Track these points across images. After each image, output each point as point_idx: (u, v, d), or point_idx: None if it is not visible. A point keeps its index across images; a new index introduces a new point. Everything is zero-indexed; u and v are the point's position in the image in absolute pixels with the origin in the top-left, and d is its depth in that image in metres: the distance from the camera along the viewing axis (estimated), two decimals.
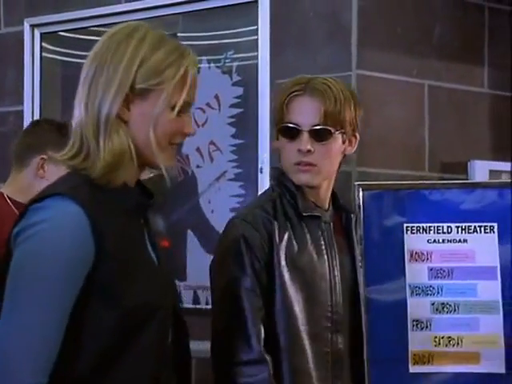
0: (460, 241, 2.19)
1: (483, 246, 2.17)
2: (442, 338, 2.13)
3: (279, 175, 1.65)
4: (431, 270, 2.17)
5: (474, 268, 2.17)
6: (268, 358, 1.50)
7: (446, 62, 2.69)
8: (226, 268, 1.55)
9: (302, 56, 2.58)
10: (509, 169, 2.75)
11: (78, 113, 1.24)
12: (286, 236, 1.56)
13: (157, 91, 1.23)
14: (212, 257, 1.70)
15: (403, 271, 2.13)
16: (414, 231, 2.17)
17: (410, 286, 2.14)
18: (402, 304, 2.12)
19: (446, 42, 2.70)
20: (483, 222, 2.19)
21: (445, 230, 2.20)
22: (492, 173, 2.72)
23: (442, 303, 2.15)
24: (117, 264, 1.17)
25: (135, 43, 1.24)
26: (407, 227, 2.17)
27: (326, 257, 1.62)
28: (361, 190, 2.20)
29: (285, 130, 1.61)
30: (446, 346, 2.12)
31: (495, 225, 2.18)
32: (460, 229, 2.20)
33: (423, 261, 2.17)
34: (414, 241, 2.16)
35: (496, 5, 2.80)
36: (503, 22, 2.82)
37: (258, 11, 2.65)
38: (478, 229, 2.19)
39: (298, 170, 1.62)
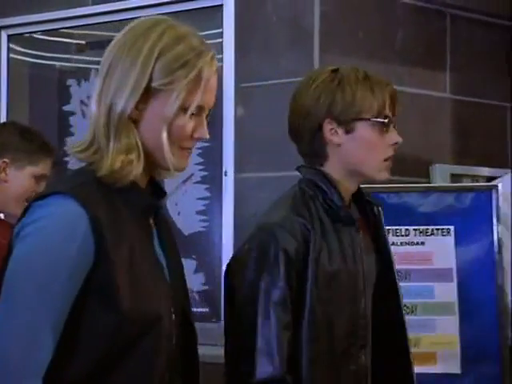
0: (418, 243, 2.24)
1: (440, 248, 2.22)
2: None
3: (315, 175, 1.49)
4: None
5: (431, 270, 2.22)
6: (289, 379, 1.38)
7: (409, 67, 2.73)
8: (257, 279, 1.40)
9: (265, 60, 2.60)
10: (470, 172, 2.80)
11: (93, 108, 1.19)
12: (321, 246, 1.43)
13: (167, 91, 1.16)
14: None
15: None
16: None
17: None
18: None
19: (409, 47, 2.73)
20: (440, 225, 2.24)
21: (403, 233, 2.24)
22: (453, 176, 2.76)
23: None
24: (118, 266, 1.12)
25: (154, 38, 1.17)
26: None
27: (355, 266, 1.47)
28: None
29: (382, 122, 1.45)
30: None
31: (452, 228, 2.23)
32: (418, 232, 2.24)
33: None
34: None
35: (457, 12, 2.84)
36: (464, 28, 2.86)
37: (222, 15, 2.68)
38: (436, 232, 2.24)
39: (387, 166, 1.50)
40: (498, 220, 2.21)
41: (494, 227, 2.20)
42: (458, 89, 2.86)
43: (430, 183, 2.69)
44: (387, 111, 1.46)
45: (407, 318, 2.13)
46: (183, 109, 1.17)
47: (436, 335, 2.18)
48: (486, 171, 2.75)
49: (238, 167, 2.64)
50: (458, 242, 2.22)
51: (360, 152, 1.47)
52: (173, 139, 1.19)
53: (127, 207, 1.18)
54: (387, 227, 2.18)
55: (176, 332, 1.21)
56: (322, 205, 1.46)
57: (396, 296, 1.58)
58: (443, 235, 2.23)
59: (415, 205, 2.26)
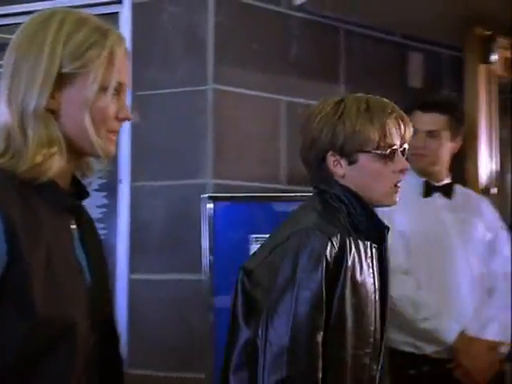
0: None
1: None
2: None
3: (346, 193, 1.51)
4: None
5: None
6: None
7: (304, 80, 2.79)
8: (294, 282, 1.40)
9: (161, 68, 2.61)
10: None
11: (3, 111, 1.15)
12: (352, 254, 1.46)
13: (82, 74, 1.15)
14: None
15: None
16: (261, 242, 2.24)
17: None
18: None
19: (304, 60, 2.79)
20: None
21: None
22: None
23: None
24: (33, 267, 1.08)
25: (55, 27, 1.16)
26: (255, 238, 2.24)
27: (372, 277, 1.52)
28: (210, 201, 2.26)
29: (383, 154, 1.49)
30: None
31: None
32: None
33: None
34: None
35: (351, 27, 2.94)
36: (358, 43, 2.96)
37: (119, 23, 2.67)
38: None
39: (396, 190, 1.53)
40: None
41: None
42: None
43: None
44: (391, 140, 1.50)
45: None
46: (103, 89, 1.17)
47: None
48: None
49: (134, 175, 2.64)
50: None
51: (365, 181, 1.51)
52: (97, 122, 1.17)
53: (46, 207, 1.15)
54: None
55: (94, 334, 1.18)
56: (346, 217, 1.49)
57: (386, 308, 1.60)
58: None
59: None
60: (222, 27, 2.58)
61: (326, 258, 1.41)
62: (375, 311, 1.52)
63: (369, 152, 1.49)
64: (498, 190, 2.84)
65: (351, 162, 1.51)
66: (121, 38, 1.22)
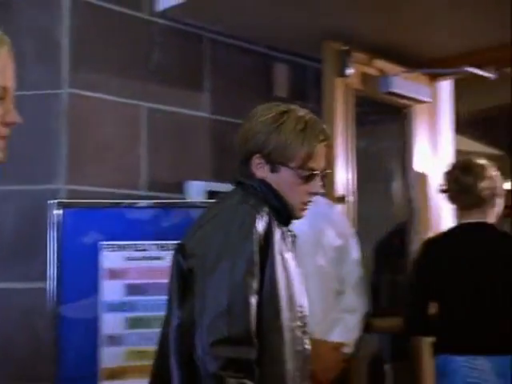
0: (156, 258, 2.29)
1: None
2: (136, 352, 2.20)
3: (263, 186, 1.61)
4: (127, 286, 2.24)
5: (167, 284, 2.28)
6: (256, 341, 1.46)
7: (166, 87, 2.79)
8: (228, 251, 1.48)
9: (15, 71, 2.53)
10: (224, 189, 2.92)
11: None
12: (277, 232, 1.56)
13: None
14: None
15: (98, 288, 2.17)
16: (111, 249, 2.22)
17: (104, 302, 2.19)
18: (96, 321, 2.16)
19: (166, 67, 2.79)
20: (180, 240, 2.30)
21: (142, 248, 2.28)
22: (210, 193, 2.86)
23: (136, 318, 2.22)
24: None
25: None
26: (104, 245, 2.21)
27: (293, 260, 1.62)
28: (59, 207, 2.21)
29: (309, 175, 1.61)
30: (140, 359, 2.19)
31: None
32: (157, 246, 2.29)
33: (119, 278, 2.23)
34: (110, 258, 2.21)
35: (215, 36, 2.97)
36: (222, 51, 2.99)
37: None
38: (175, 246, 2.30)
39: (303, 208, 1.65)
40: None
41: None
42: (217, 109, 2.98)
43: (185, 199, 2.77)
44: (314, 164, 1.61)
45: (143, 331, 2.21)
46: None
47: None
48: None
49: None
50: None
51: (282, 189, 1.62)
52: None
53: None
54: (125, 242, 2.25)
55: None
56: (266, 204, 1.58)
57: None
58: None
59: (155, 220, 2.31)
60: (78, 30, 2.53)
61: (256, 230, 1.49)
62: (300, 290, 1.61)
63: (291, 168, 1.60)
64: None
65: (273, 171, 1.62)
66: (2, 41, 1.20)
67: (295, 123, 1.60)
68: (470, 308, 2.31)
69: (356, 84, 3.00)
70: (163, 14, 2.75)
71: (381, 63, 3.16)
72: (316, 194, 1.64)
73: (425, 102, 3.37)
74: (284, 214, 1.61)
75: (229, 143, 3.01)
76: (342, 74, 2.91)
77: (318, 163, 1.62)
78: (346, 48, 2.92)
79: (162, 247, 2.30)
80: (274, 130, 1.59)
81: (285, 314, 1.53)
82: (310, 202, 1.65)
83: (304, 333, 1.61)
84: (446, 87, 3.65)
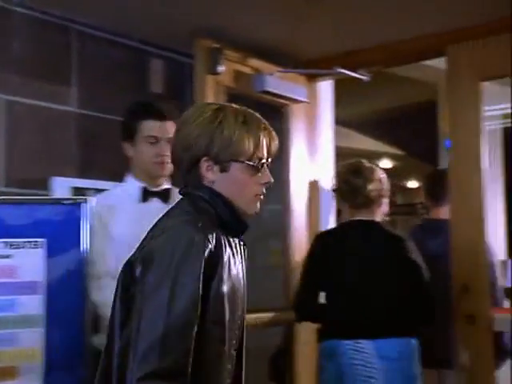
0: (5, 256, 2.20)
1: (28, 261, 2.20)
2: None
3: (212, 196, 1.59)
4: None
5: (16, 283, 2.19)
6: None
7: (28, 79, 2.69)
8: (170, 276, 1.43)
9: None
10: (91, 186, 2.85)
11: None
12: (227, 250, 1.53)
13: None
14: None
15: None
16: None
17: None
18: None
19: (28, 58, 2.69)
20: (32, 237, 2.23)
21: None
22: (75, 190, 2.79)
23: None
24: None
25: None
26: None
27: (241, 272, 1.60)
28: None
29: (254, 166, 1.60)
30: None
31: (44, 240, 2.23)
32: (6, 244, 2.21)
33: None
34: None
35: (82, 28, 2.88)
36: (91, 44, 2.92)
37: None
38: (25, 244, 2.22)
39: (256, 200, 1.64)
40: (87, 233, 2.27)
41: (82, 240, 2.26)
42: (85, 103, 2.90)
43: (48, 196, 2.68)
44: (261, 154, 1.60)
45: None
46: None
47: (17, 349, 2.16)
48: (108, 185, 2.78)
49: None
50: (49, 255, 2.23)
51: (232, 189, 1.59)
52: None
53: None
54: None
55: None
56: (215, 216, 1.57)
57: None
58: (33, 248, 2.22)
59: (5, 217, 2.22)
60: None
61: (204, 254, 1.46)
62: (242, 305, 1.60)
63: (241, 162, 1.58)
64: None
65: (223, 170, 1.59)
66: None
67: (235, 117, 1.58)
68: (355, 297, 2.55)
69: (228, 82, 3.00)
70: (20, 2, 2.64)
71: (256, 62, 3.17)
72: (268, 183, 1.63)
73: (302, 101, 3.41)
74: (234, 226, 1.60)
75: (97, 139, 2.97)
76: (214, 72, 2.90)
77: (264, 152, 1.62)
78: (218, 46, 2.91)
79: (10, 245, 2.22)
80: (216, 128, 1.57)
81: (227, 338, 1.52)
82: (263, 193, 1.64)
83: (235, 350, 1.61)
84: (326, 88, 3.71)
